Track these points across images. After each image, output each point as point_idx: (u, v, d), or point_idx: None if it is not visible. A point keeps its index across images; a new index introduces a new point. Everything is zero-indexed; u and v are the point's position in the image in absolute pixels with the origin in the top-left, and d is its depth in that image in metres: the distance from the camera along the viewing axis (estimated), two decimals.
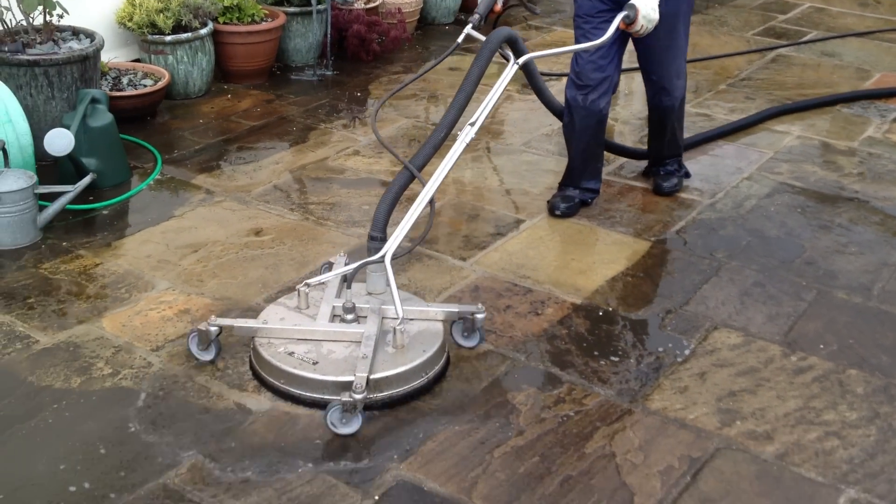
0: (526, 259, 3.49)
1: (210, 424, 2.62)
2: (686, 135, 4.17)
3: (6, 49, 3.96)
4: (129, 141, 4.28)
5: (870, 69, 5.68)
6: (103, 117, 3.87)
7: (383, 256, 2.80)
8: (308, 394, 2.67)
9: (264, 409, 2.68)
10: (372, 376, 2.61)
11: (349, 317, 2.81)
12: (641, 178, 4.15)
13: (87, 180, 3.61)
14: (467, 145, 2.93)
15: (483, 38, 2.99)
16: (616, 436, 2.61)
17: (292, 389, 2.69)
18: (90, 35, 4.22)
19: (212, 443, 2.54)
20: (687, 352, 2.98)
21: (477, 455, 2.53)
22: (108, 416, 2.63)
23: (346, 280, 2.86)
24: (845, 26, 6.53)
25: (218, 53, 4.91)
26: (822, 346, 3.03)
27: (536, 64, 3.56)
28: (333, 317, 2.83)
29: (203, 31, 4.73)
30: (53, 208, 3.52)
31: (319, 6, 5.16)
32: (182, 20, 4.68)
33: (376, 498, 2.37)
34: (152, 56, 4.69)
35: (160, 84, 4.51)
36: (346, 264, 3.05)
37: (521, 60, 3.08)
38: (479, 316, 2.90)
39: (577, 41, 3.62)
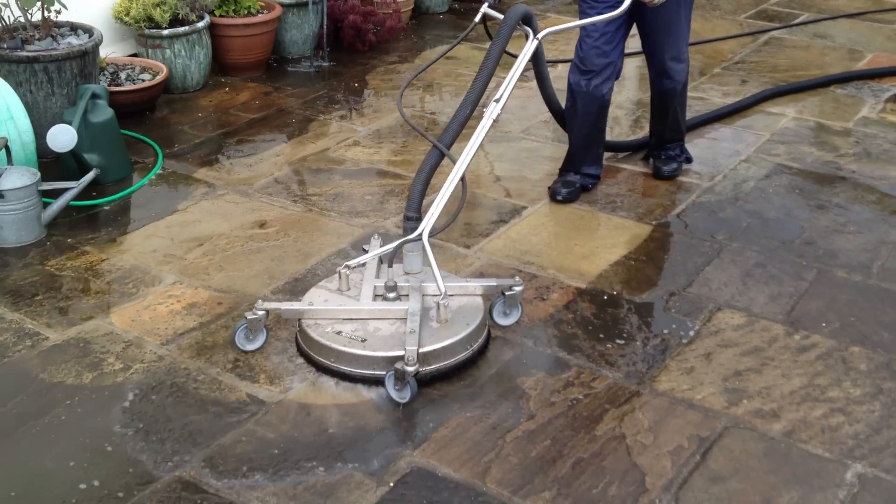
0: (529, 245, 3.52)
1: (223, 416, 2.64)
2: None
3: (5, 46, 3.96)
4: (129, 136, 4.29)
5: (862, 50, 5.72)
6: (104, 112, 3.88)
7: (421, 234, 2.87)
8: (359, 370, 2.75)
9: (276, 401, 2.71)
10: (421, 350, 2.70)
11: (391, 295, 2.89)
12: (641, 162, 4.18)
13: (90, 176, 3.62)
14: (494, 121, 3.00)
15: (501, 15, 3.06)
16: (625, 417, 2.65)
17: (343, 367, 2.77)
18: (88, 30, 4.22)
19: (226, 434, 2.57)
20: (692, 333, 3.02)
21: (489, 440, 2.56)
22: (120, 411, 2.66)
23: (387, 260, 2.95)
24: (836, 8, 6.56)
25: (215, 47, 4.92)
26: (824, 325, 3.07)
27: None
28: (375, 296, 2.91)
29: (200, 25, 4.74)
30: (58, 205, 3.53)
31: None
32: (179, 13, 4.68)
33: (391, 485, 2.40)
34: (149, 50, 4.70)
35: (159, 78, 4.52)
36: (380, 246, 3.11)
37: (541, 35, 3.14)
38: (517, 289, 2.96)
39: (584, 27, 3.64)
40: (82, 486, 2.39)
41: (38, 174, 3.53)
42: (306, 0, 5.17)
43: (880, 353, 2.93)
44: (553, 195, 3.83)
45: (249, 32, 4.96)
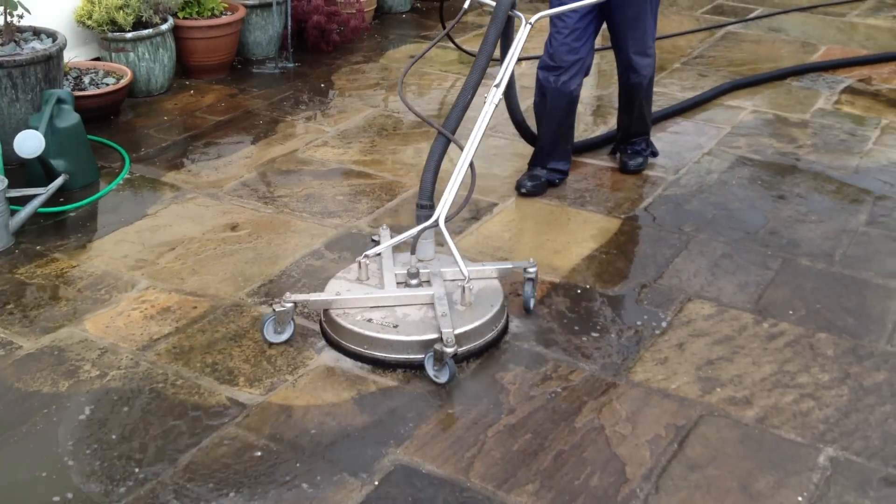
0: (502, 241, 3.56)
1: (203, 420, 2.64)
2: None
3: None
4: (95, 141, 4.25)
5: (815, 42, 5.84)
6: (70, 117, 3.84)
7: (437, 220, 2.95)
8: (393, 355, 2.84)
9: (257, 403, 2.71)
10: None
11: (413, 282, 2.97)
12: (608, 157, 4.24)
13: (59, 181, 3.59)
14: (496, 106, 3.10)
15: (493, 2, 3.13)
16: (603, 409, 2.70)
17: (377, 353, 2.85)
18: (52, 35, 4.18)
19: (207, 438, 2.57)
20: (664, 324, 3.08)
21: (471, 435, 2.59)
22: (98, 419, 2.64)
23: (410, 247, 3.02)
24: (789, 2, 6.69)
25: (179, 49, 4.89)
26: (791, 312, 3.15)
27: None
28: (398, 283, 2.98)
29: (164, 27, 4.71)
30: (26, 212, 3.50)
31: None
32: (142, 16, 4.65)
33: (376, 483, 2.43)
34: (113, 54, 4.66)
35: (123, 82, 4.48)
36: (390, 236, 3.19)
37: (534, 19, 3.20)
38: (532, 269, 3.06)
39: (552, 21, 3.69)
40: (56, 499, 2.36)
41: (6, 181, 3.48)
42: (270, 1, 5.16)
43: (846, 338, 3.02)
44: (518, 188, 3.88)
45: (213, 34, 4.93)
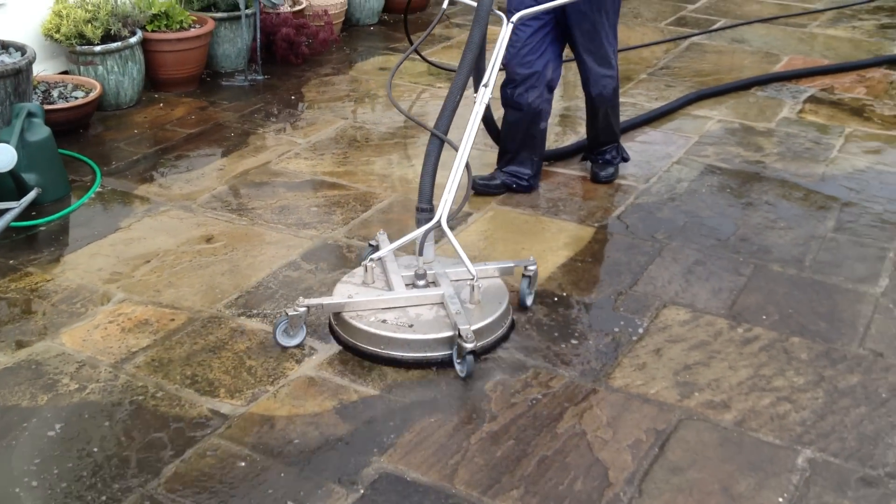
0: (478, 251, 3.59)
1: (186, 432, 2.63)
2: None
3: None
4: (66, 155, 4.21)
5: (778, 53, 5.96)
6: (41, 131, 3.81)
7: (439, 221, 3.02)
8: (411, 354, 2.89)
9: (239, 414, 2.70)
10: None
11: (421, 283, 3.05)
12: (579, 166, 4.29)
13: (32, 195, 3.56)
14: (487, 105, 3.17)
15: (474, 2, 3.16)
16: (584, 414, 2.72)
17: (394, 353, 2.90)
18: (20, 48, 4.14)
19: (191, 450, 2.56)
20: (641, 330, 3.12)
21: (454, 443, 2.61)
22: (78, 432, 2.62)
23: (416, 250, 3.09)
24: (751, 13, 6.82)
25: (148, 62, 4.86)
26: (764, 317, 3.20)
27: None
28: (406, 285, 3.05)
29: (133, 40, 4.68)
30: None
31: (248, 10, 5.15)
32: (111, 29, 4.62)
33: (362, 492, 2.43)
34: (81, 67, 4.62)
35: (92, 95, 4.45)
36: (388, 240, 3.25)
37: (515, 18, 3.27)
38: (532, 268, 3.16)
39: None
40: None
41: None
42: (238, 14, 5.16)
43: (819, 342, 3.08)
44: (472, 184, 3.90)
45: (182, 47, 4.92)
